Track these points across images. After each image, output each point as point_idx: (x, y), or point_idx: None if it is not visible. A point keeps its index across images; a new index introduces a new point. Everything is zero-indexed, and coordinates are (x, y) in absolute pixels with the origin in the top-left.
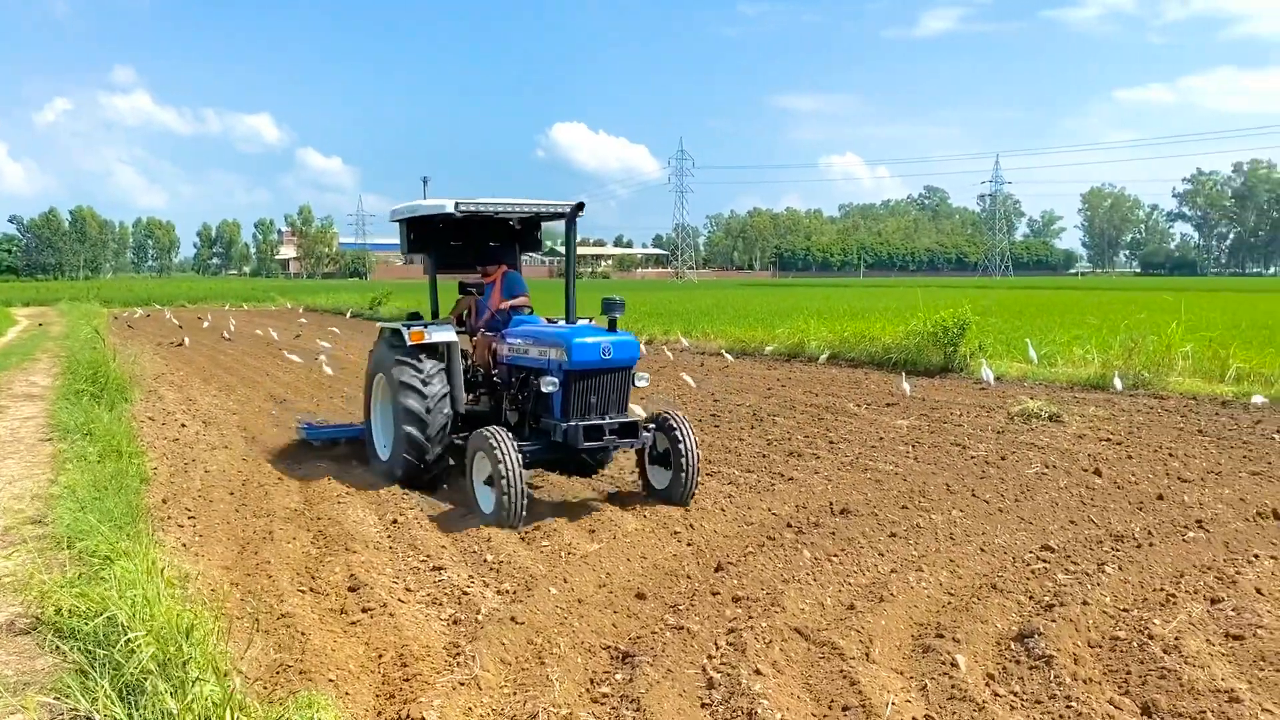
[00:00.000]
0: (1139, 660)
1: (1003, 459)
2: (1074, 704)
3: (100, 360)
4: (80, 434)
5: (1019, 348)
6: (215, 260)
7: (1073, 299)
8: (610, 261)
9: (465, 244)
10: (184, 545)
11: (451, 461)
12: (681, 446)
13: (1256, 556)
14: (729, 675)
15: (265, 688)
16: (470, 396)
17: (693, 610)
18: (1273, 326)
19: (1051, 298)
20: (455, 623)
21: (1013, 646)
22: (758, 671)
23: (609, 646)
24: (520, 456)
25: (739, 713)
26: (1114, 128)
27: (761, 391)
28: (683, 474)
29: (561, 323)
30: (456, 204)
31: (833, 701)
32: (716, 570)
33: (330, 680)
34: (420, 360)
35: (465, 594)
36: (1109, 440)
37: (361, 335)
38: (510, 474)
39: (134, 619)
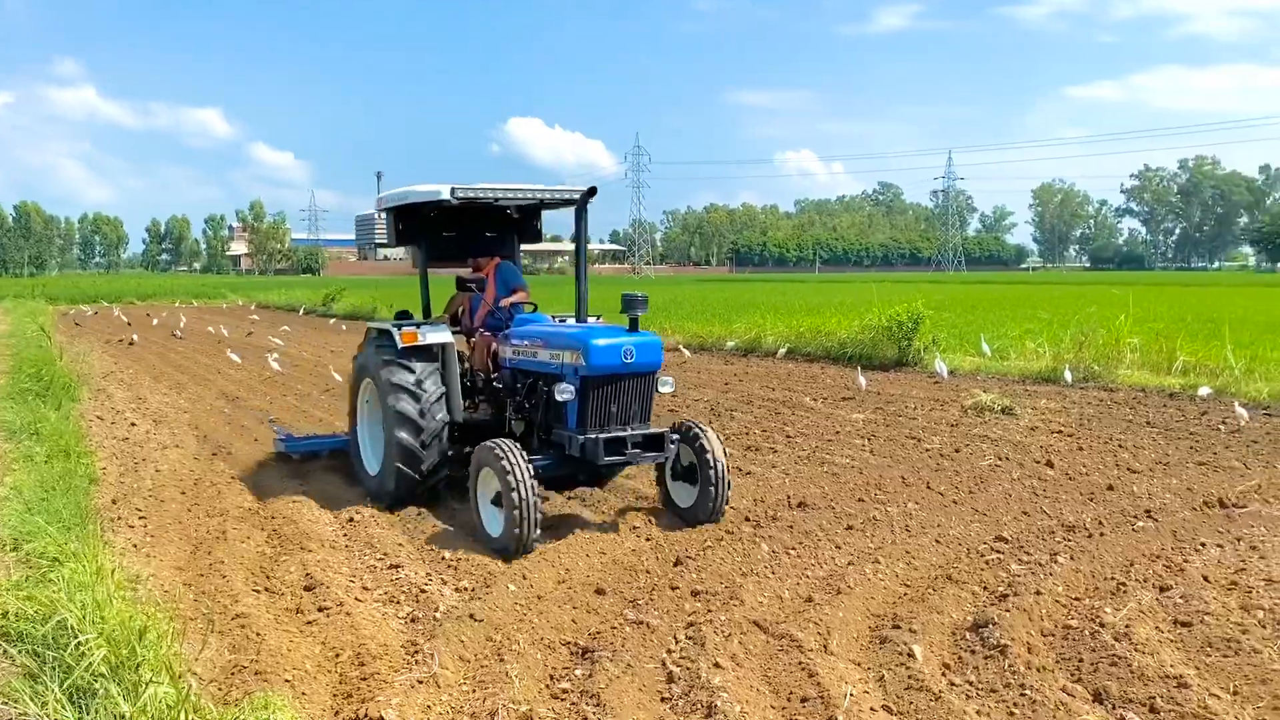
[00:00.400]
0: (1091, 648)
1: (957, 451)
2: (1028, 692)
3: (47, 358)
4: (27, 434)
5: (972, 342)
6: (165, 257)
7: (1024, 293)
8: (566, 257)
9: (459, 235)
10: (135, 546)
11: (447, 473)
12: (709, 458)
13: (1204, 545)
14: (689, 669)
15: (220, 689)
16: (468, 403)
17: (652, 605)
18: (1217, 320)
19: (1003, 292)
20: (413, 621)
21: (968, 636)
22: (717, 665)
23: (568, 642)
24: (533, 473)
25: (699, 706)
26: (1064, 125)
27: (719, 386)
28: (712, 488)
29: (570, 321)
30: (453, 190)
31: (791, 693)
32: (675, 565)
33: (287, 680)
34: (412, 363)
35: (423, 592)
36: (1060, 432)
37: (315, 332)
38: (523, 493)
39: (84, 621)
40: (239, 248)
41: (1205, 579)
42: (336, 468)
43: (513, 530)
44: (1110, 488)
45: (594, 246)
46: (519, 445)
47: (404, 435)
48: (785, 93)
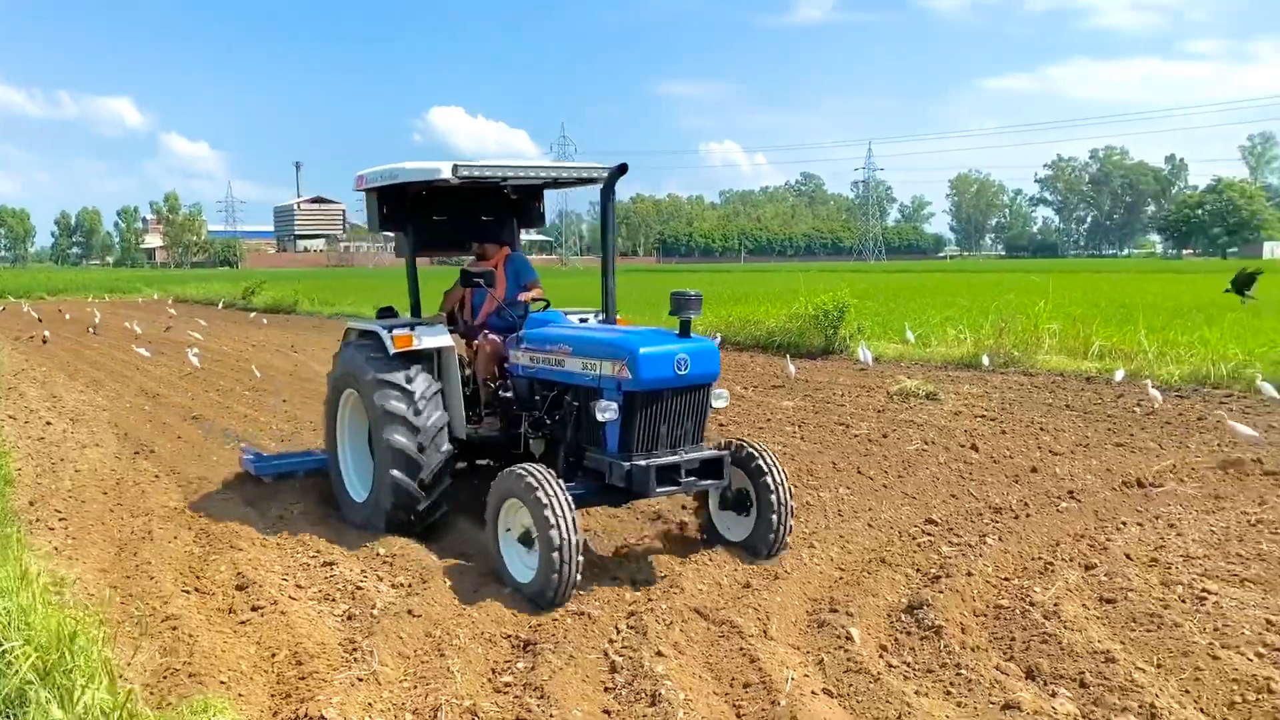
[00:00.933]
0: (1022, 626)
1: (884, 437)
2: (963, 671)
3: None
4: None
5: (896, 329)
6: (75, 250)
7: (943, 281)
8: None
9: (452, 219)
10: (56, 549)
11: (447, 507)
12: (769, 482)
13: (1124, 524)
14: (631, 658)
15: (153, 694)
16: (470, 416)
17: (592, 595)
18: (1129, 305)
19: (923, 280)
20: (350, 618)
21: (903, 618)
22: (659, 653)
23: (509, 635)
24: (573, 506)
25: (643, 695)
26: (979, 115)
27: None
28: (774, 517)
29: (592, 320)
30: (455, 167)
31: (734, 679)
32: (615, 554)
33: (222, 682)
34: (409, 377)
35: (359, 589)
36: (984, 417)
37: (235, 326)
38: (564, 532)
39: (9, 628)
40: (154, 240)
41: (1127, 557)
42: None
43: (550, 577)
44: (1034, 470)
45: (521, 237)
46: (552, 472)
47: (398, 475)
48: (709, 83)
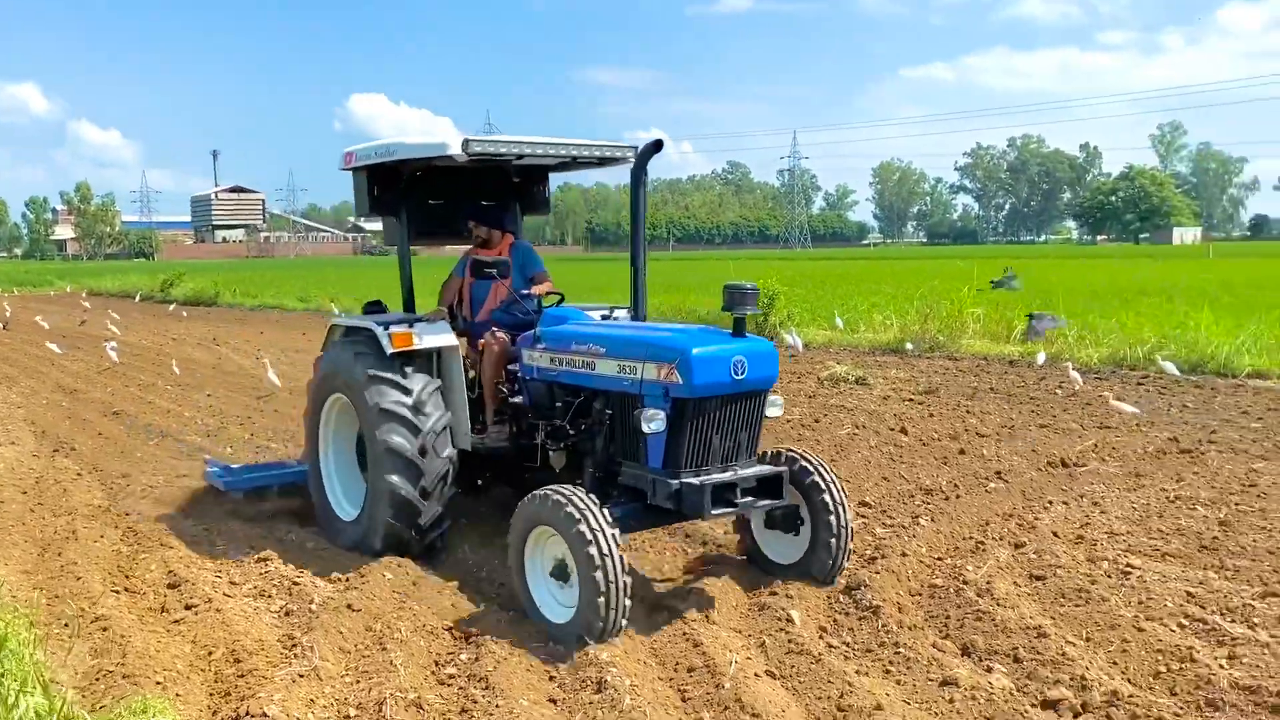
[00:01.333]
0: (956, 605)
1: (816, 421)
2: (902, 650)
3: None
4: None
5: (824, 316)
6: None
7: (869, 268)
8: None
9: (449, 203)
10: None
11: (450, 523)
12: (826, 500)
13: (1051, 503)
14: (576, 647)
15: (85, 696)
16: (475, 424)
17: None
18: (1048, 291)
19: (849, 267)
20: (287, 614)
21: (841, 599)
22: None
23: (451, 628)
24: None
25: (588, 682)
26: (901, 104)
27: None
28: (832, 541)
29: (620, 315)
30: (465, 142)
31: (678, 664)
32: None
33: (157, 683)
34: (406, 376)
35: (295, 584)
36: (912, 400)
37: (154, 319)
38: (610, 568)
39: None
40: (65, 232)
41: (1054, 534)
42: (195, 459)
43: (594, 622)
44: (962, 452)
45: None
46: (593, 498)
47: (397, 481)
48: (635, 71)
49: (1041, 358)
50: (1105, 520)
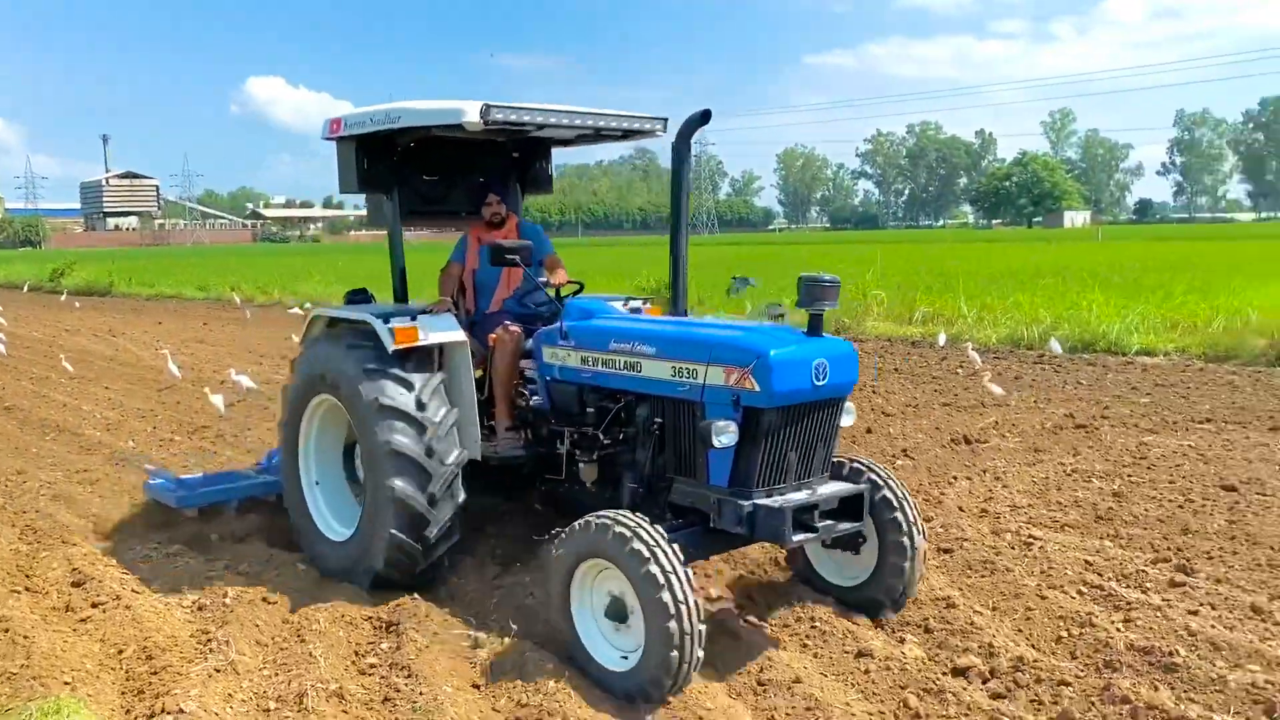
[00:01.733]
0: None
1: None
2: (818, 624)
3: None
4: None
5: (734, 301)
6: None
7: (775, 253)
8: (321, 224)
9: (445, 180)
10: None
11: (459, 537)
12: (900, 519)
13: (955, 478)
14: (498, 632)
15: None
16: (483, 431)
17: (455, 573)
18: (948, 273)
19: (755, 252)
20: (201, 609)
21: (758, 574)
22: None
23: (370, 617)
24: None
25: (510, 668)
26: (805, 91)
27: None
28: (906, 566)
29: (641, 306)
30: (486, 108)
31: None
32: (476, 529)
33: (66, 683)
34: (409, 373)
35: (207, 578)
36: None
37: (44, 310)
38: (683, 612)
39: None
40: None
41: (960, 509)
42: (95, 453)
43: (660, 673)
44: (869, 430)
45: (348, 213)
46: (659, 529)
47: (401, 485)
48: (542, 56)
49: (942, 339)
50: (1007, 494)
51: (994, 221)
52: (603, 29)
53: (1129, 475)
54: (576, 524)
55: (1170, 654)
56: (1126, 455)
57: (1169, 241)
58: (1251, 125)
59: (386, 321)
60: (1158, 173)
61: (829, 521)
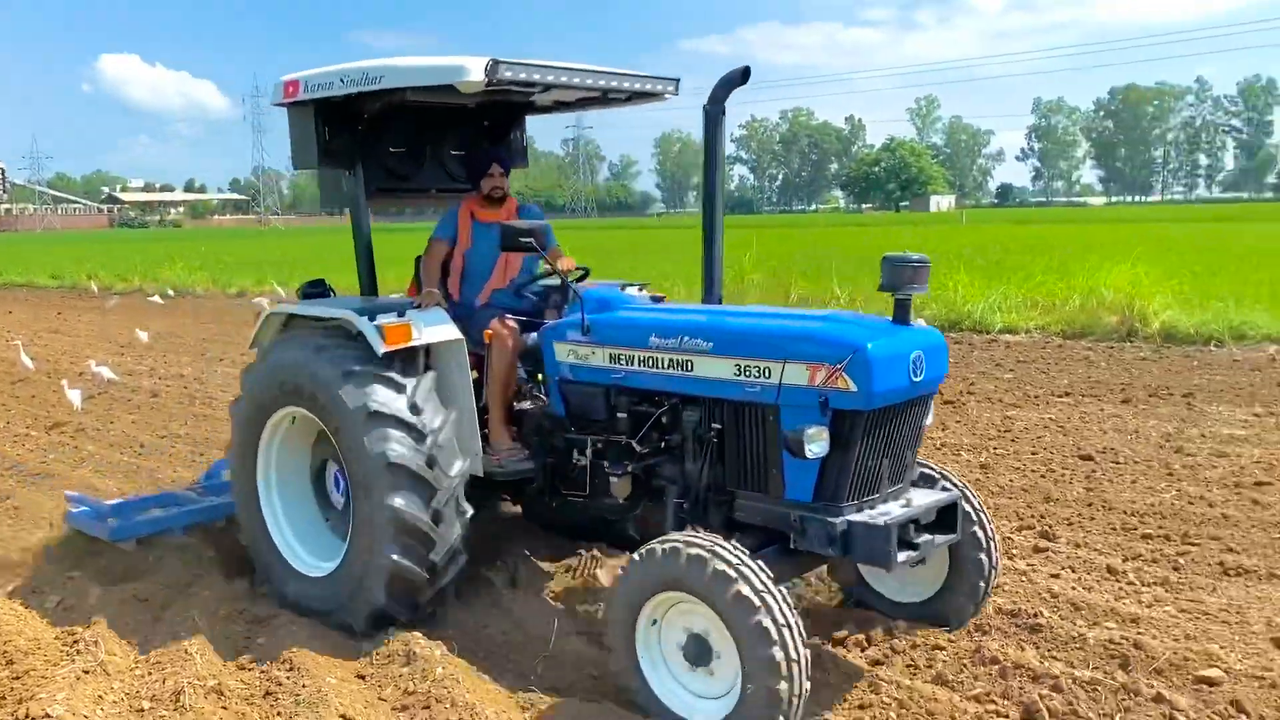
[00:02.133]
0: None
1: None
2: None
3: None
4: None
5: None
6: None
7: (653, 237)
8: (182, 209)
9: (410, 153)
10: None
11: (465, 560)
12: (978, 533)
13: None
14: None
15: None
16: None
17: None
18: (821, 257)
19: (633, 236)
20: (65, 610)
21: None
22: None
23: (244, 611)
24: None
25: (396, 656)
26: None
27: None
28: (980, 584)
29: (646, 294)
30: (494, 65)
31: (487, 626)
32: None
33: None
34: (399, 375)
35: (70, 578)
36: None
37: None
38: (787, 638)
39: None
40: None
41: None
42: None
43: (771, 709)
44: None
45: (211, 196)
46: (746, 552)
47: (401, 502)
48: (410, 35)
49: None
50: None
51: (864, 206)
52: (471, 5)
53: (994, 448)
54: (641, 553)
55: (1035, 615)
56: (992, 429)
57: (1028, 225)
58: (1102, 113)
59: (372, 319)
60: (1017, 158)
61: (928, 536)
